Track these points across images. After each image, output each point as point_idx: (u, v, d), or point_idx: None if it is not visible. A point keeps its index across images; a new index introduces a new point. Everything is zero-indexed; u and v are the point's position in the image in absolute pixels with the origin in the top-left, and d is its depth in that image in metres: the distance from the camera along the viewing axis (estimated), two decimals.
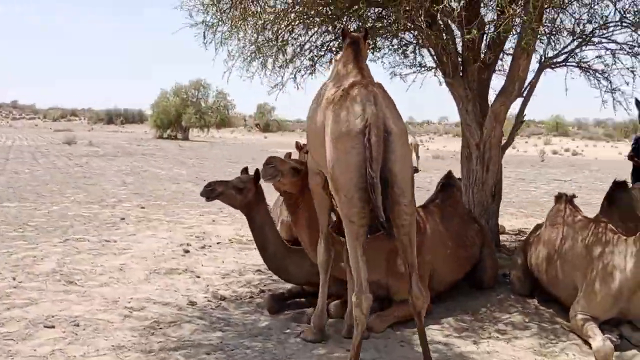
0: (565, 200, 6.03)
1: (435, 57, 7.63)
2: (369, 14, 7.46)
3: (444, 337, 5.26)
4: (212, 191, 5.53)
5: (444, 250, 5.99)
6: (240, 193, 5.59)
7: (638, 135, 9.29)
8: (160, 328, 5.29)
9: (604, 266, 5.19)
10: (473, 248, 6.36)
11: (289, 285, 6.63)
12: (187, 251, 8.14)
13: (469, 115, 7.53)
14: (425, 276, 5.83)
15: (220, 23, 7.38)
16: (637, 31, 7.21)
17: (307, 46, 7.60)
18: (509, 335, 5.34)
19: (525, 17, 6.12)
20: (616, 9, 6.96)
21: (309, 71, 7.62)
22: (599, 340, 4.86)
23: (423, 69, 8.63)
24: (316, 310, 5.14)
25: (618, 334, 5.14)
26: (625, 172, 9.30)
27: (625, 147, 45.88)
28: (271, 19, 7.20)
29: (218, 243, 8.77)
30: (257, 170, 5.76)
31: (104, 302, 5.96)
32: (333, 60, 6.03)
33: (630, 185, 7.08)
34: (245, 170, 6.23)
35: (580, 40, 7.48)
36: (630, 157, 9.18)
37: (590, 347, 4.95)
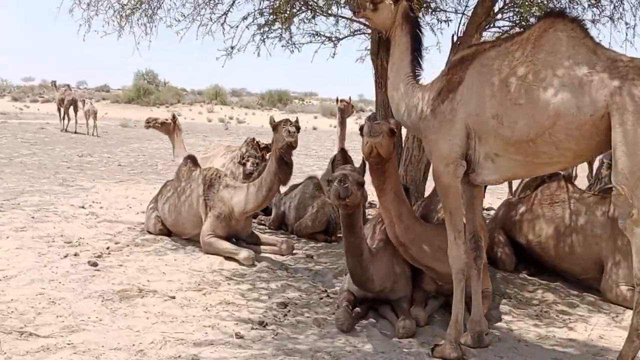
0: (564, 178, 6.34)
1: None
2: None
3: (542, 328, 5.07)
4: (347, 190, 4.21)
5: None
6: (360, 189, 4.41)
7: None
8: None
9: None
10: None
11: (293, 294, 5.63)
12: (94, 264, 6.04)
13: None
14: None
15: None
16: None
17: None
18: (573, 315, 5.42)
19: None
20: None
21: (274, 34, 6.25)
22: None
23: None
24: (452, 323, 4.42)
25: None
26: None
27: (280, 114, 50.51)
28: None
29: (108, 248, 6.71)
30: (368, 160, 4.60)
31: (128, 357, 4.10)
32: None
33: None
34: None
35: None
36: None
37: None
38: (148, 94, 56.48)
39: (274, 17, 6.23)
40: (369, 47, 8.54)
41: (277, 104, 56.37)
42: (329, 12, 7.48)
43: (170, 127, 10.34)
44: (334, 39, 8.20)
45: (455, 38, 6.80)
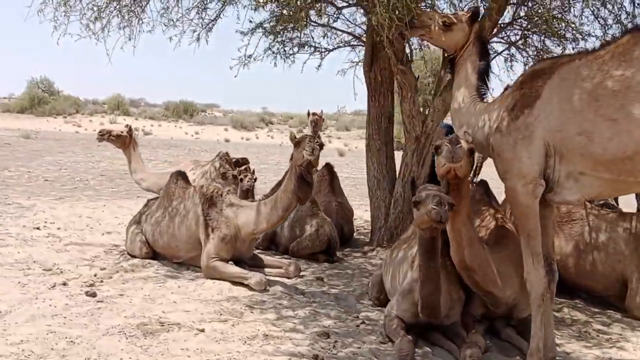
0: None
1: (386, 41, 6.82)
2: None
3: (594, 350, 4.94)
4: (447, 213, 3.85)
5: None
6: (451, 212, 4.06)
7: None
8: None
9: None
10: None
11: (327, 322, 5.22)
12: (93, 294, 5.34)
13: (415, 106, 7.06)
14: None
15: None
16: None
17: None
18: (613, 335, 5.35)
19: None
20: None
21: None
22: None
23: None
24: (532, 350, 4.19)
25: None
26: None
27: (187, 126, 49.29)
28: None
29: (96, 275, 5.98)
30: (447, 181, 4.26)
31: None
32: None
33: None
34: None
35: None
36: None
37: None
38: (43, 103, 53.10)
39: (286, 24, 5.82)
40: (356, 60, 8.33)
41: (182, 116, 54.64)
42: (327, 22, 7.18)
43: (126, 141, 9.57)
44: (322, 49, 7.90)
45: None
